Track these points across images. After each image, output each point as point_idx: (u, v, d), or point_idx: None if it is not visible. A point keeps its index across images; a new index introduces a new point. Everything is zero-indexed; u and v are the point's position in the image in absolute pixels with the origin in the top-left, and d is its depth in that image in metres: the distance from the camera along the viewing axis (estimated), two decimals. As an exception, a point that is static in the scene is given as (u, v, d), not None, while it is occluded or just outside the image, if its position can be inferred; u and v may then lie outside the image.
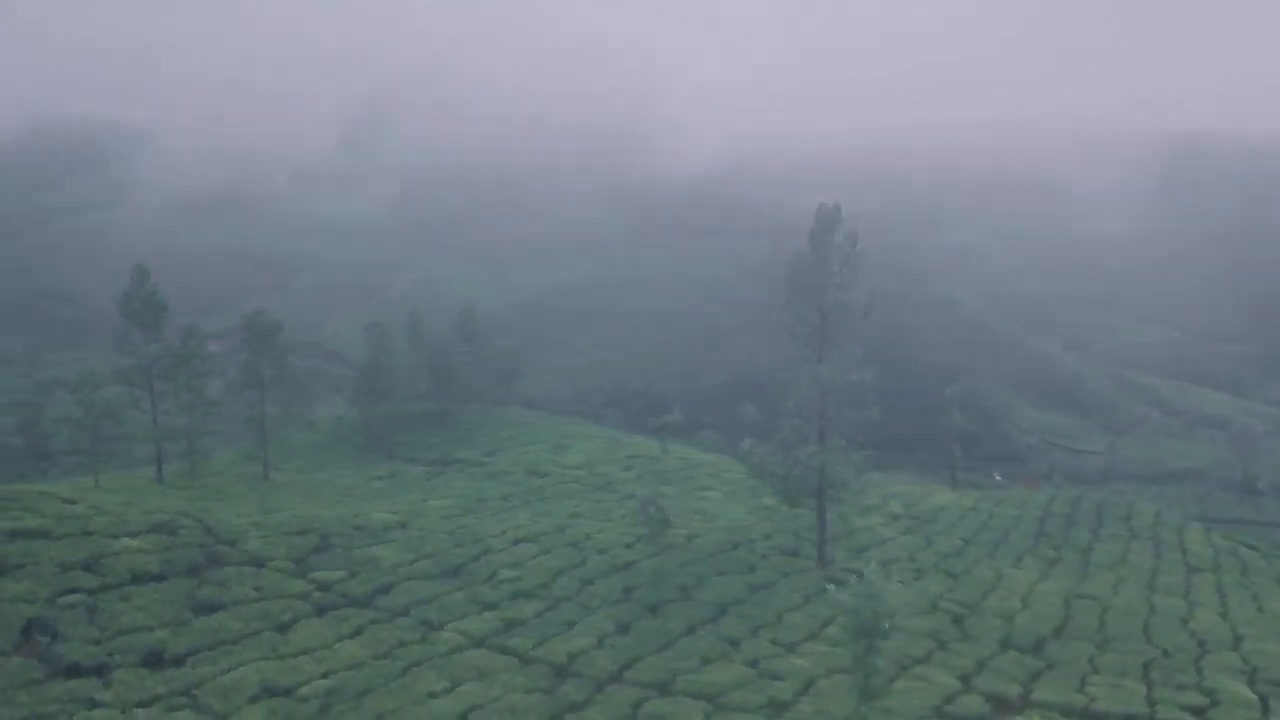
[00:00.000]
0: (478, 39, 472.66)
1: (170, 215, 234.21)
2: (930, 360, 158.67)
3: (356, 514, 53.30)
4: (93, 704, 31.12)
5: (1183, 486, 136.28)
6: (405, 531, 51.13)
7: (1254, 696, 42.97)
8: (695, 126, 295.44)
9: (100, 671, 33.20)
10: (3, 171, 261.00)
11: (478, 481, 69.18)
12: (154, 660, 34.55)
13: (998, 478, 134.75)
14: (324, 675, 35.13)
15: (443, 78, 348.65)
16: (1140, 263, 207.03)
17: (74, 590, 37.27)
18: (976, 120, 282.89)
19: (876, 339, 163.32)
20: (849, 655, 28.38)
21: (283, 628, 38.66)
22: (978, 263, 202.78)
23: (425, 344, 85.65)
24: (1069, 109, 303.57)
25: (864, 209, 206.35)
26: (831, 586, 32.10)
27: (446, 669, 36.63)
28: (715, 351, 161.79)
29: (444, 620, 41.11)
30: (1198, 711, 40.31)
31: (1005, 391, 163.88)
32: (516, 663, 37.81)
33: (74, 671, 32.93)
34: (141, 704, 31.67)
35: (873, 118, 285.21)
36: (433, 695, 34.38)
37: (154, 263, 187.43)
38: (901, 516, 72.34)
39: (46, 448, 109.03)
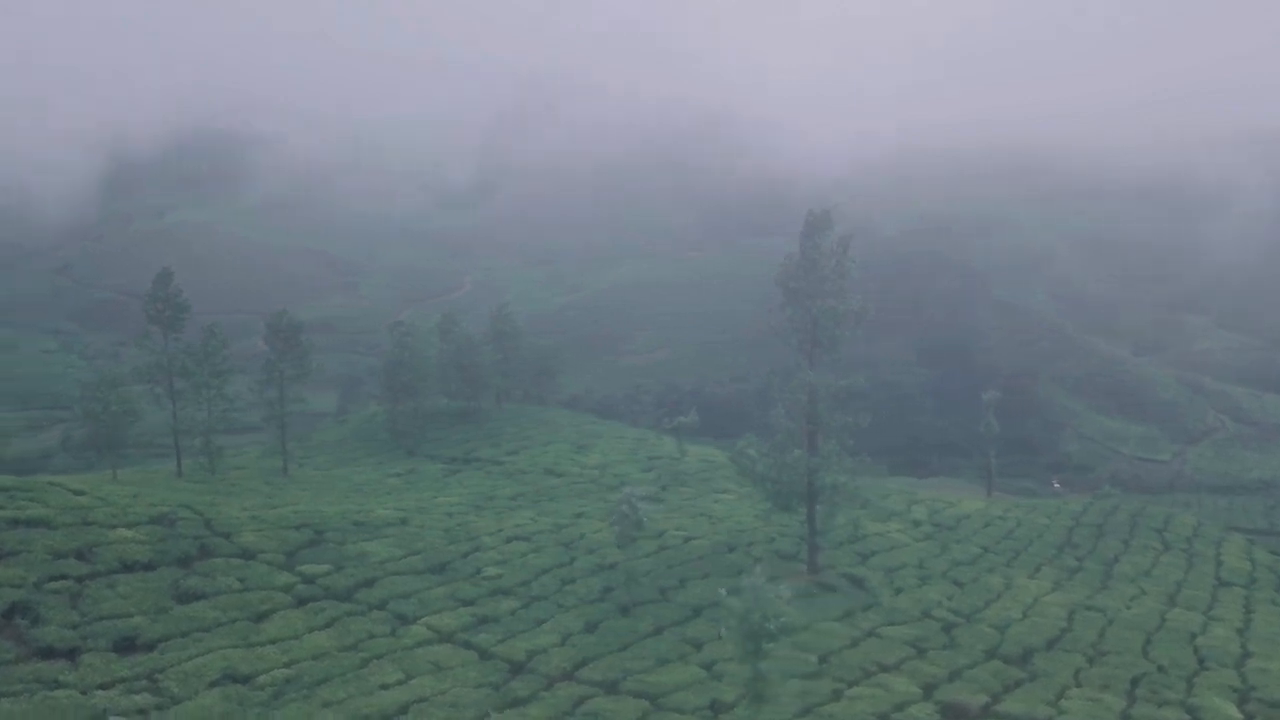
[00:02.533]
0: (602, 46, 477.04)
1: (253, 219, 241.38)
2: (990, 363, 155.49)
3: (360, 510, 54.92)
4: (56, 684, 32.89)
5: (1253, 498, 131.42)
6: (403, 528, 52.50)
7: (1240, 716, 41.87)
8: (778, 131, 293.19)
9: (72, 654, 35.04)
10: (144, 175, 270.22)
11: (493, 480, 70.44)
12: (126, 645, 36.30)
13: (1056, 485, 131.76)
14: (287, 664, 36.52)
15: (561, 86, 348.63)
16: (1219, 266, 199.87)
17: (62, 577, 39.27)
18: (1051, 116, 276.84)
19: (935, 341, 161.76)
20: (740, 661, 28.59)
21: (259, 618, 40.20)
22: (1047, 265, 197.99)
23: (455, 342, 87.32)
24: (1149, 106, 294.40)
25: (928, 209, 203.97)
26: (722, 591, 32.19)
27: (406, 662, 37.74)
28: (771, 352, 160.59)
29: (418, 615, 42.29)
30: (1173, 728, 39.45)
31: (1070, 397, 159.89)
32: (476, 657, 38.79)
33: (47, 653, 34.79)
34: (103, 686, 33.36)
35: (942, 117, 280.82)
36: (385, 687, 35.49)
37: (229, 262, 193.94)
38: (923, 523, 71.55)
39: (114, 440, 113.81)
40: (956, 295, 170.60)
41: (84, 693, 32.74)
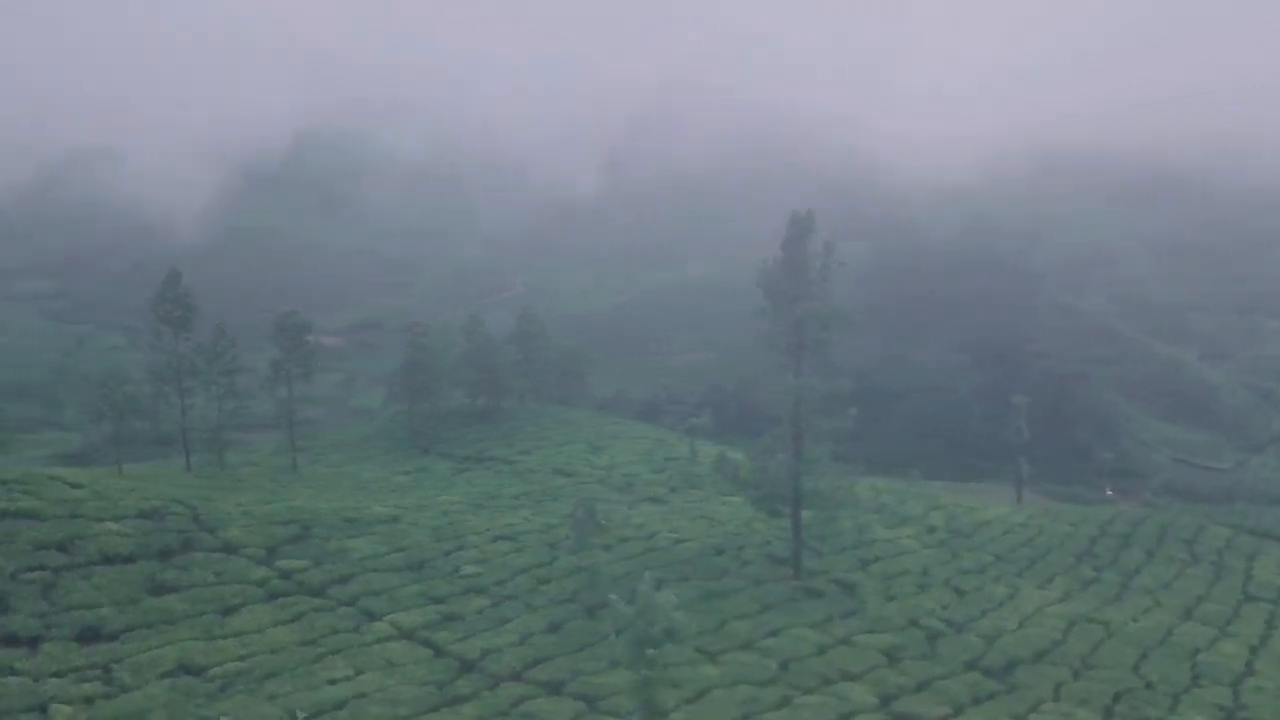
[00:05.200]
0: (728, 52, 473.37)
1: (329, 221, 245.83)
2: (1044, 367, 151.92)
3: (355, 507, 55.83)
4: (11, 671, 34.12)
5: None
6: (393, 525, 53.22)
7: (1218, 735, 40.42)
8: (855, 132, 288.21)
9: (34, 643, 36.29)
10: (242, 176, 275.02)
11: (501, 479, 70.98)
12: (90, 635, 37.47)
13: (1109, 493, 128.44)
14: (242, 658, 37.32)
15: (687, 92, 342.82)
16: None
17: (40, 568, 40.69)
18: (1120, 111, 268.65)
19: (986, 343, 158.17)
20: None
21: (227, 611, 41.15)
22: (1109, 266, 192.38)
23: (475, 343, 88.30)
24: (1224, 100, 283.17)
25: (984, 209, 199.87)
26: (613, 597, 31.99)
27: (360, 658, 38.29)
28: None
29: (385, 611, 42.85)
30: (1141, 746, 38.21)
31: (1128, 402, 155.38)
32: (431, 655, 39.19)
33: (11, 641, 36.10)
34: (57, 674, 34.51)
35: (1007, 116, 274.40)
36: (332, 682, 36.05)
37: (287, 262, 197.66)
38: (938, 529, 70.20)
39: (168, 433, 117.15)
40: (1009, 297, 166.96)
41: (36, 680, 33.90)
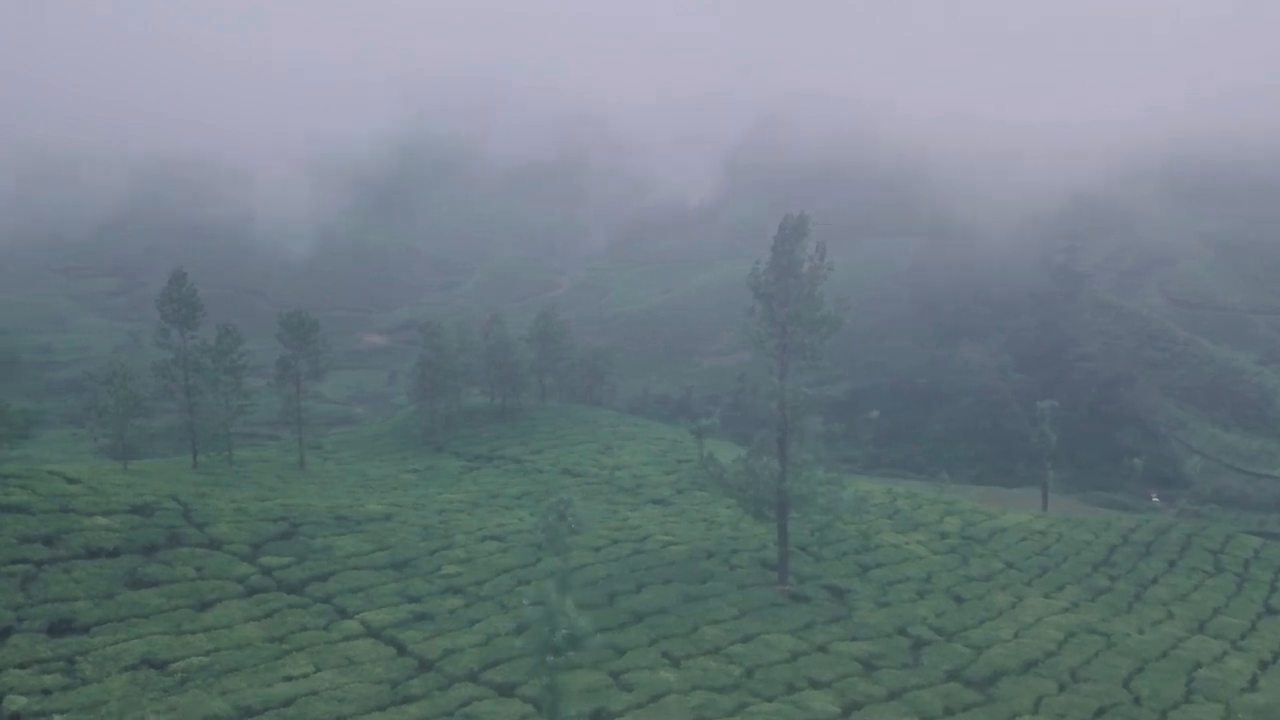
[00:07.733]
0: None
1: (398, 223, 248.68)
2: (1088, 370, 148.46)
3: (350, 504, 56.44)
4: (-24, 662, 35.06)
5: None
6: (384, 523, 53.68)
7: (1199, 754, 39.06)
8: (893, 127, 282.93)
9: (5, 634, 37.22)
10: (370, 184, 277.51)
11: (507, 478, 71.20)
12: (62, 628, 38.33)
13: (1154, 499, 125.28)
14: (207, 653, 37.87)
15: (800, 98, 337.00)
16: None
17: (23, 561, 41.74)
18: (1177, 109, 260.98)
19: (1031, 346, 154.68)
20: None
21: (202, 607, 41.81)
22: (1167, 266, 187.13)
23: (491, 342, 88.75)
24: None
25: (1038, 210, 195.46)
26: (525, 602, 31.75)
27: (323, 655, 38.63)
28: (859, 352, 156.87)
29: (358, 609, 43.22)
30: (1111, 764, 37.09)
31: (1180, 406, 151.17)
32: (393, 654, 39.41)
33: (-18, 632, 37.08)
34: (21, 665, 35.36)
35: (1062, 112, 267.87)
36: (289, 678, 36.42)
37: (336, 261, 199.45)
38: (951, 535, 68.99)
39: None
40: (1056, 298, 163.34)
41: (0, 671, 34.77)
